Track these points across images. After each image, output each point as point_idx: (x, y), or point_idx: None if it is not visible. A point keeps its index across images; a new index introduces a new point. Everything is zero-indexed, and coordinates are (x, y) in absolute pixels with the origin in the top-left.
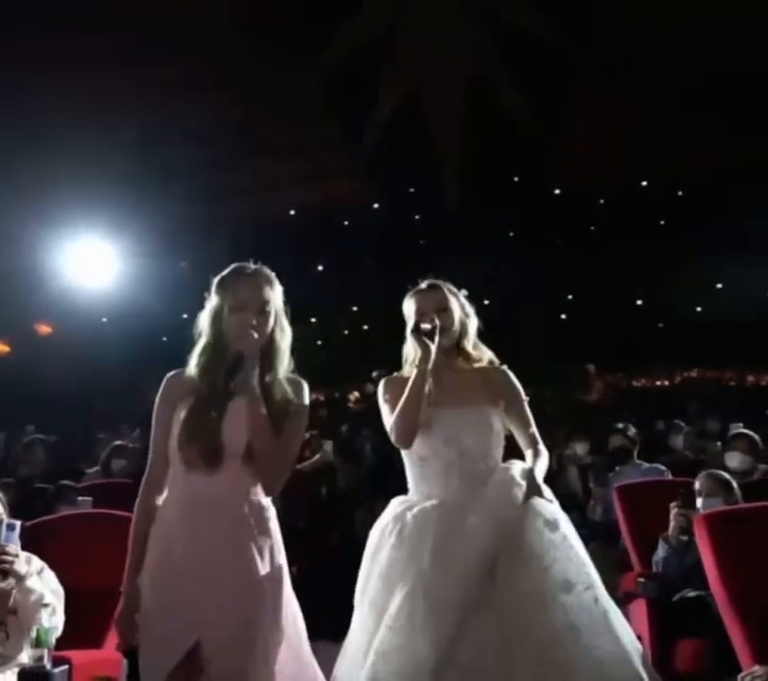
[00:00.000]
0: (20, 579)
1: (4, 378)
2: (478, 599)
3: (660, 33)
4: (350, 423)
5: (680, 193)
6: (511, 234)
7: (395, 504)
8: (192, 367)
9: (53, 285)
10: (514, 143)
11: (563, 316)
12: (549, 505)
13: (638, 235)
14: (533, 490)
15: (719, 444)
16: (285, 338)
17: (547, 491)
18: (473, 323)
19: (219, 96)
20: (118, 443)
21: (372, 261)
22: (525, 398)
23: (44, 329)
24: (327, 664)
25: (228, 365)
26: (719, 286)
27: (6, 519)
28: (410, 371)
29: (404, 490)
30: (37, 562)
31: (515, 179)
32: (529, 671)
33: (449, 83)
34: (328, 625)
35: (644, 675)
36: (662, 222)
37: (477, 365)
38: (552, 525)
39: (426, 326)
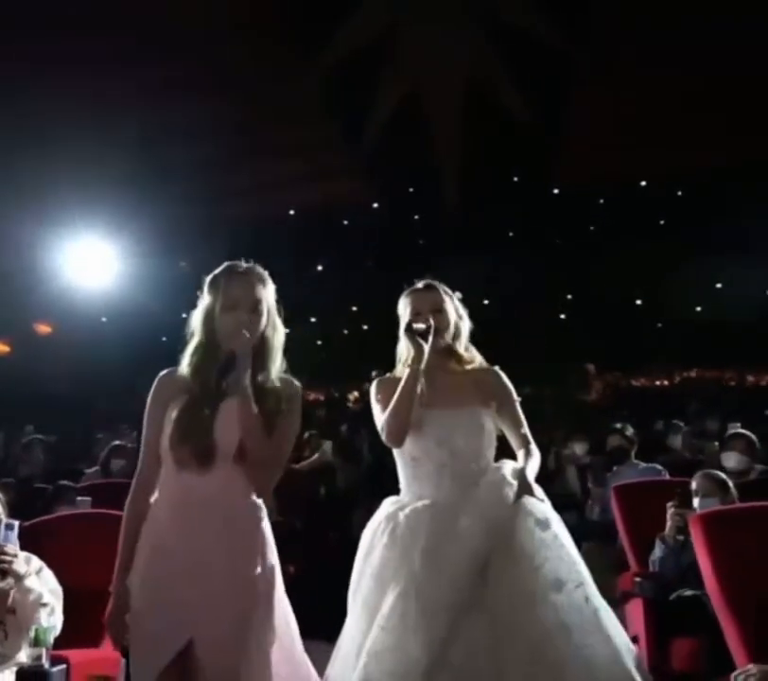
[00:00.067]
0: (19, 578)
1: (3, 378)
2: (469, 599)
3: (660, 33)
4: (349, 423)
5: (680, 193)
6: (510, 233)
7: (387, 504)
8: (184, 366)
9: (52, 284)
10: (513, 143)
11: (562, 316)
12: (540, 504)
13: (638, 234)
14: (525, 489)
15: (716, 444)
16: (277, 337)
17: (538, 490)
18: (466, 326)
19: (219, 96)
20: (117, 443)
21: (371, 261)
22: (517, 399)
23: (44, 329)
24: (324, 664)
25: (220, 364)
26: (718, 285)
27: (4, 519)
28: (402, 371)
29: (398, 490)
30: (36, 561)
31: (515, 179)
32: (520, 670)
33: (449, 83)
34: (325, 625)
35: (635, 675)
36: (662, 222)
37: (469, 366)
38: (543, 524)
39: (420, 326)
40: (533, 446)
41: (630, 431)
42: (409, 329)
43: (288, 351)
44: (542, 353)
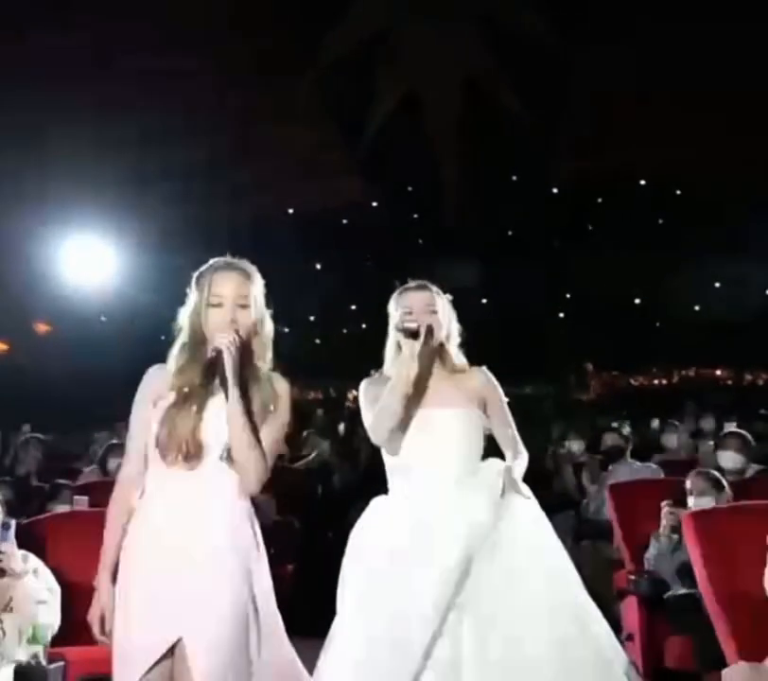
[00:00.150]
0: (16, 577)
1: (2, 377)
2: (459, 597)
3: (660, 33)
4: (347, 422)
5: (679, 192)
6: (509, 233)
7: (377, 502)
8: (171, 363)
9: (51, 283)
10: (512, 142)
11: (561, 315)
12: (525, 501)
13: (637, 234)
14: (511, 486)
15: (712, 443)
16: (266, 333)
17: (524, 488)
18: (456, 327)
19: (219, 95)
20: (114, 441)
21: (370, 260)
22: (505, 400)
23: (43, 328)
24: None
25: (207, 361)
26: (717, 285)
27: (1, 518)
28: (390, 370)
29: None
30: (33, 560)
31: (514, 178)
32: (506, 667)
33: (447, 83)
34: (323, 623)
35: (619, 669)
36: (660, 222)
37: (458, 367)
38: (529, 521)
39: (412, 326)
40: (521, 447)
41: (626, 430)
42: (400, 329)
43: (287, 350)
44: (541, 352)
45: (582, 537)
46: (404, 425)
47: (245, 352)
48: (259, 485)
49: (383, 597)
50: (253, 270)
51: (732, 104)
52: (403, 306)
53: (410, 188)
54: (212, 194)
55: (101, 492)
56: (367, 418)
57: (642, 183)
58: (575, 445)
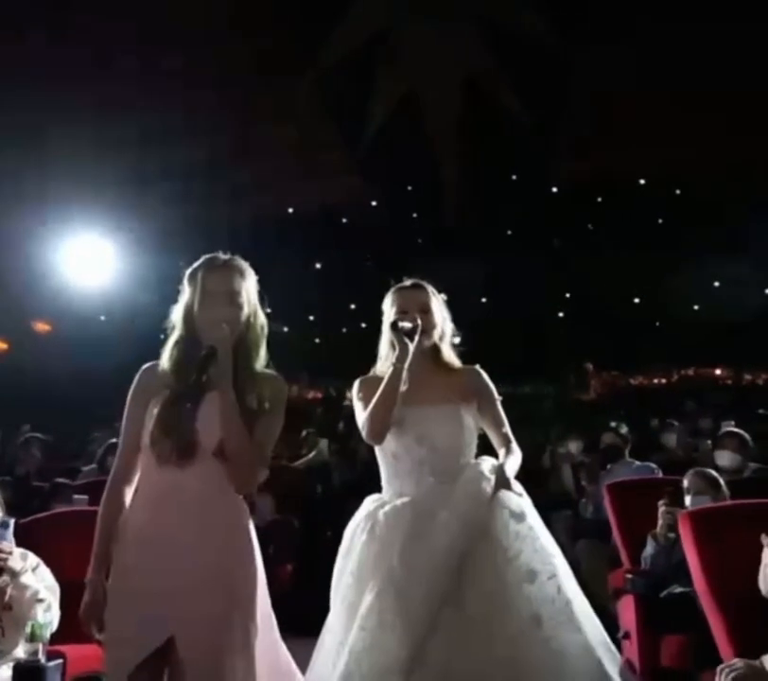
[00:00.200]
0: (14, 575)
1: (1, 376)
2: (448, 595)
3: (660, 33)
4: (346, 421)
5: (678, 192)
6: (509, 232)
7: (368, 502)
8: (164, 361)
9: (51, 282)
10: (512, 142)
11: (561, 314)
12: (516, 498)
13: (637, 234)
14: (502, 483)
15: (709, 442)
16: (260, 330)
17: (516, 485)
18: (450, 327)
19: (219, 95)
20: (114, 440)
21: (370, 260)
22: (498, 398)
23: (42, 327)
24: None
25: (200, 359)
26: (716, 284)
27: (0, 517)
28: (383, 368)
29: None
30: (33, 558)
31: (514, 178)
32: (495, 665)
33: (447, 83)
34: (321, 623)
35: (606, 667)
36: (660, 221)
37: (451, 365)
38: (518, 516)
39: (406, 325)
40: (514, 445)
41: (624, 430)
42: (394, 328)
43: (287, 350)
44: (541, 352)
45: (580, 536)
46: (397, 423)
47: (238, 348)
48: (253, 483)
49: (372, 595)
50: (244, 266)
51: (732, 104)
52: (397, 305)
53: (409, 188)
54: (212, 194)
55: (101, 491)
56: (360, 416)
57: (642, 182)
58: (574, 445)
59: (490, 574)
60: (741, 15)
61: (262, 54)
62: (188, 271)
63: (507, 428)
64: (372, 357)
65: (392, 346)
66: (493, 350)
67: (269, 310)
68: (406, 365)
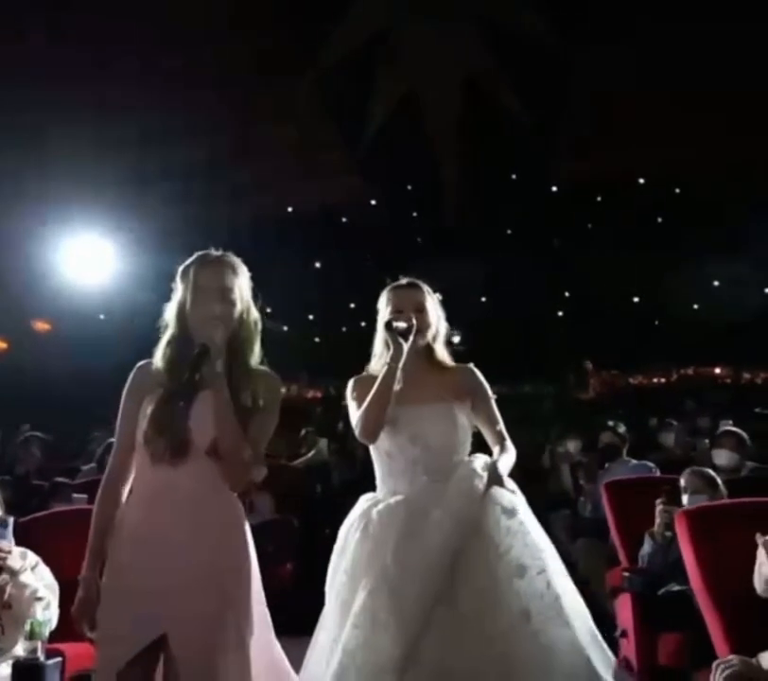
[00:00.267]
0: (14, 574)
1: (1, 375)
2: (441, 592)
3: (660, 33)
4: (345, 421)
5: (678, 191)
6: (509, 232)
7: (363, 501)
8: (158, 359)
9: (51, 282)
10: (512, 142)
11: (560, 313)
12: (508, 494)
13: (636, 233)
14: (494, 480)
15: (707, 441)
16: (254, 326)
17: (509, 482)
18: (444, 326)
19: (219, 95)
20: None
21: (370, 259)
22: (492, 396)
23: (42, 326)
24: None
25: (193, 357)
26: (716, 284)
27: None
28: (377, 367)
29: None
30: (32, 557)
31: (514, 177)
32: (489, 663)
33: (448, 83)
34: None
35: (594, 662)
36: (659, 220)
37: (444, 364)
38: (510, 512)
39: (401, 325)
40: (509, 443)
41: (622, 429)
42: (389, 328)
43: (286, 349)
44: (540, 351)
45: (578, 535)
46: (390, 422)
47: (231, 345)
48: (246, 481)
49: (366, 593)
50: (236, 262)
51: (732, 104)
52: (392, 305)
53: (409, 188)
54: (212, 194)
55: None
56: (354, 415)
57: (642, 182)
58: (572, 444)
59: (482, 571)
60: (742, 15)
61: (262, 54)
62: (180, 268)
63: (501, 426)
64: (370, 356)
65: (387, 345)
66: (492, 349)
67: (269, 310)
68: (400, 365)
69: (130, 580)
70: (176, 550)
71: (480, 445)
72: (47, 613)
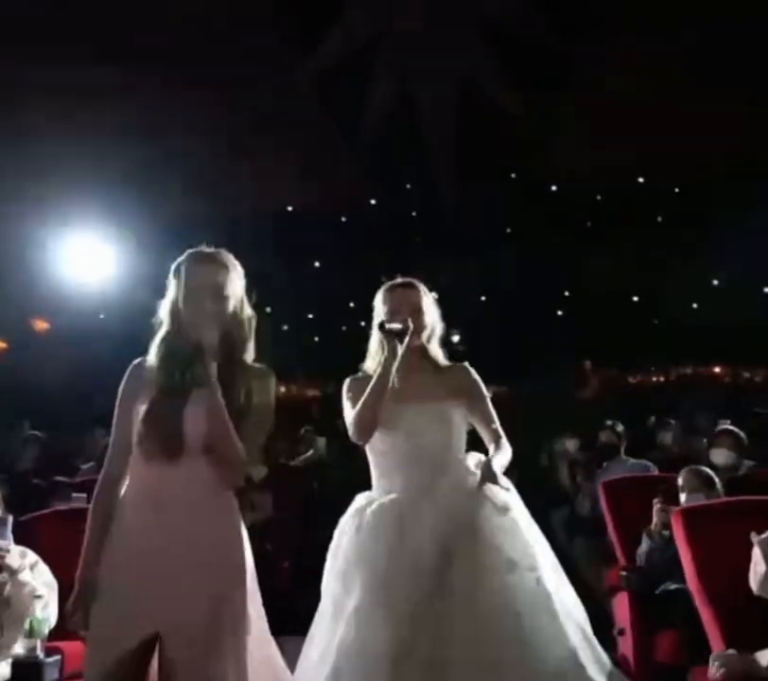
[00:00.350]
0: (13, 573)
1: (1, 375)
2: (434, 589)
3: (659, 32)
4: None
5: (677, 190)
6: (507, 230)
7: (358, 500)
8: (151, 357)
9: (50, 281)
10: (510, 140)
11: (559, 312)
12: (501, 491)
13: (635, 231)
14: (487, 477)
15: (705, 440)
16: (247, 323)
17: (503, 479)
18: (439, 326)
19: (218, 93)
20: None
21: (369, 257)
22: (487, 395)
23: (41, 325)
24: None
25: (186, 355)
26: (715, 282)
27: None
28: (372, 365)
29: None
30: (31, 555)
31: (513, 175)
32: (480, 656)
33: (446, 82)
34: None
35: (581, 658)
36: (659, 219)
37: (439, 363)
38: (502, 509)
39: (396, 327)
40: (504, 441)
41: (620, 427)
42: (382, 329)
43: (286, 348)
44: (539, 350)
45: (576, 534)
46: (384, 421)
47: (225, 343)
48: (241, 478)
49: (359, 592)
50: (229, 259)
51: (732, 104)
52: (388, 305)
53: (408, 186)
54: (211, 193)
55: None
56: (348, 415)
57: (641, 180)
58: (571, 443)
59: (473, 568)
60: (742, 15)
61: (260, 52)
62: (173, 266)
63: (497, 425)
64: None
65: (381, 345)
66: (491, 348)
67: (268, 309)
68: (394, 367)
69: (122, 579)
70: (170, 549)
71: (475, 444)
72: (46, 611)
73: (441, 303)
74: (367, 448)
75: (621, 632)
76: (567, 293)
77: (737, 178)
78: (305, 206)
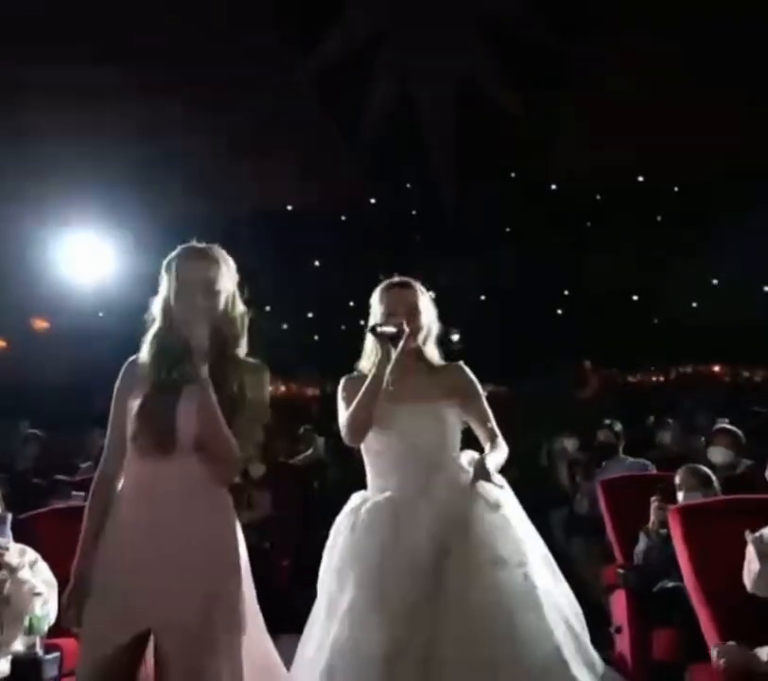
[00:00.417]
0: (13, 571)
1: (0, 374)
2: (427, 587)
3: (659, 32)
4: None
5: (676, 189)
6: (507, 230)
7: (353, 499)
8: (144, 354)
9: (50, 280)
10: (510, 139)
11: (559, 312)
12: (495, 489)
13: (635, 231)
14: (480, 475)
15: (703, 439)
16: (239, 319)
17: (496, 477)
18: (436, 326)
19: (218, 93)
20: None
21: (369, 257)
22: (483, 394)
23: (41, 324)
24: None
25: (177, 351)
26: (715, 282)
27: None
28: (367, 365)
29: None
30: (31, 553)
31: (512, 175)
32: (474, 658)
33: (446, 82)
34: None
35: (565, 654)
36: (658, 219)
37: (434, 363)
38: (494, 506)
39: (389, 330)
40: (500, 440)
41: (618, 427)
42: (374, 332)
43: (285, 347)
44: (539, 349)
45: (575, 532)
46: (380, 420)
47: (217, 339)
48: (234, 475)
49: (353, 590)
50: (221, 254)
51: (732, 103)
52: (385, 306)
53: (408, 186)
54: (211, 192)
55: None
56: (341, 416)
57: (640, 179)
58: (570, 442)
59: (466, 567)
60: (742, 15)
61: (260, 52)
62: (164, 262)
63: (493, 424)
64: None
65: (376, 345)
66: (491, 348)
67: (268, 308)
68: (388, 370)
69: (116, 576)
70: (163, 546)
71: (470, 443)
72: (45, 609)
73: (440, 302)
74: (362, 448)
75: (618, 629)
76: (566, 293)
77: (737, 178)
78: (305, 206)
